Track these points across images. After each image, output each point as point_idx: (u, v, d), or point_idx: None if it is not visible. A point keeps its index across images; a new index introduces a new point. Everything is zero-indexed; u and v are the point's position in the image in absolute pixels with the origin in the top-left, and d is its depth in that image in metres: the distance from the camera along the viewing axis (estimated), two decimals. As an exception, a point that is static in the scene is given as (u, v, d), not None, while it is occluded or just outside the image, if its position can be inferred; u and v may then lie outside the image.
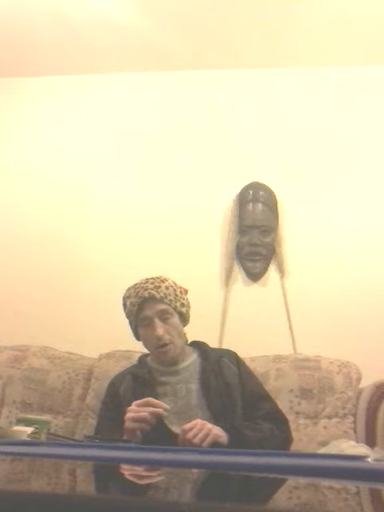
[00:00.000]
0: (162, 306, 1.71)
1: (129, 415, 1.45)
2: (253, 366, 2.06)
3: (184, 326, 1.79)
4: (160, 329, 1.68)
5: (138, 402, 1.47)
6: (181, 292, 1.78)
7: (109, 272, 2.67)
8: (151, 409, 1.44)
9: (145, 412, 1.43)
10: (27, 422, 1.42)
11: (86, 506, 0.53)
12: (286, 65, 2.85)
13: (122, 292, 1.80)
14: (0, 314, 2.68)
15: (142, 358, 1.85)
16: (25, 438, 1.32)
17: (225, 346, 2.24)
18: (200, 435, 1.41)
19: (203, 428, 1.43)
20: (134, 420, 1.44)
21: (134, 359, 1.94)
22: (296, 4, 2.48)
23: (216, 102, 2.91)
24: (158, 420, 1.49)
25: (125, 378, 1.76)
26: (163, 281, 1.76)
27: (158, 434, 1.48)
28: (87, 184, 2.89)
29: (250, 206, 2.67)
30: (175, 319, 1.73)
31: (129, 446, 1.28)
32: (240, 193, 2.71)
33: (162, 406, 1.46)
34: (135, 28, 2.63)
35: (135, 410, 1.45)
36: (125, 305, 1.78)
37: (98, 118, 2.98)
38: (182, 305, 1.76)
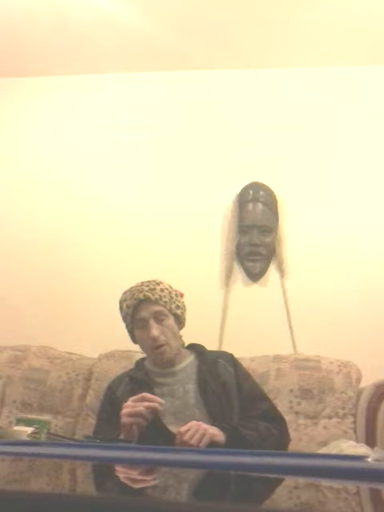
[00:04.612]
0: (157, 308, 1.72)
1: (125, 411, 1.46)
2: (253, 366, 2.06)
3: (180, 328, 1.80)
4: (155, 330, 1.69)
5: (134, 397, 1.49)
6: (176, 295, 1.79)
7: (109, 272, 2.68)
8: (146, 403, 1.45)
9: (140, 406, 1.44)
10: (27, 422, 1.43)
11: (86, 506, 0.52)
12: (286, 65, 2.85)
13: (121, 292, 1.81)
14: (0, 314, 2.68)
15: (140, 361, 1.87)
16: (25, 437, 1.32)
17: (225, 346, 2.24)
18: (196, 436, 1.42)
19: (199, 429, 1.44)
20: (130, 415, 1.45)
21: (134, 359, 1.95)
22: (297, 4, 2.48)
23: (216, 101, 2.90)
24: (157, 420, 1.50)
25: (122, 381, 1.78)
26: (158, 283, 1.77)
27: (156, 433, 1.49)
28: (87, 184, 2.89)
29: (250, 205, 2.67)
30: (170, 321, 1.74)
31: (128, 446, 1.28)
32: (240, 193, 2.71)
33: (157, 400, 1.47)
34: (135, 28, 2.63)
35: (131, 406, 1.46)
36: (121, 308, 1.79)
37: (98, 119, 2.98)
38: (177, 307, 1.77)
